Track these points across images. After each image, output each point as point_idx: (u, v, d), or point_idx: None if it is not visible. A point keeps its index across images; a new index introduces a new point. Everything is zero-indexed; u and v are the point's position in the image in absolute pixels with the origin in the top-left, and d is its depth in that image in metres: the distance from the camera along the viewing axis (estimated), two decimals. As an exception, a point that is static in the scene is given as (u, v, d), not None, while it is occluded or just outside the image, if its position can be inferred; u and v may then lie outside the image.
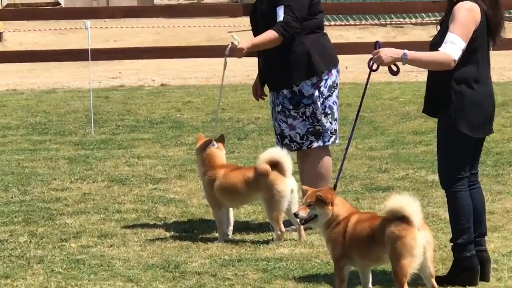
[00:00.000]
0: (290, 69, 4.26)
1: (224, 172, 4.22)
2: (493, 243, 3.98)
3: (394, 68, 3.42)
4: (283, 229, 4.13)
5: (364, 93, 3.51)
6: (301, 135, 4.31)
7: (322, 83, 4.31)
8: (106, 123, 7.64)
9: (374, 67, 3.37)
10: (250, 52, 4.36)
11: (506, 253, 3.89)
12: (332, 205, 3.38)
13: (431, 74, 3.58)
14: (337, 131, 4.46)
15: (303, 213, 3.40)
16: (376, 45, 3.37)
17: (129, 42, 12.06)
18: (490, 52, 3.56)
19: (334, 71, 4.38)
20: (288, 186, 4.15)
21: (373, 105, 8.20)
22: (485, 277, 3.58)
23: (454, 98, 3.46)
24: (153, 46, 10.66)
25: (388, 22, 14.27)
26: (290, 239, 4.18)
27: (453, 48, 3.33)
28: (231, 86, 9.29)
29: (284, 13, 4.10)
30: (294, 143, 4.33)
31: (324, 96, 4.32)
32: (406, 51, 3.39)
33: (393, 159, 6.15)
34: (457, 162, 3.58)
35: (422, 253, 3.31)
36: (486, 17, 3.43)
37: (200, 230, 4.41)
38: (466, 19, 3.35)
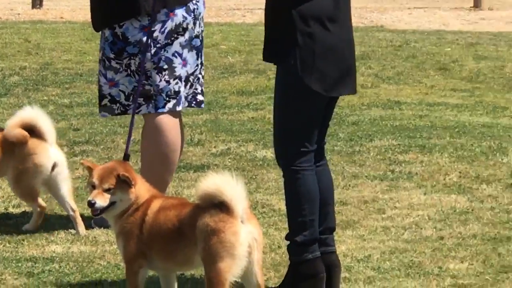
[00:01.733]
0: (110, 1, 4.50)
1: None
2: (344, 244, 4.30)
3: None
4: (42, 203, 4.46)
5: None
6: (126, 94, 4.51)
7: (157, 27, 4.46)
8: None
9: None
10: None
11: (362, 257, 4.18)
12: (135, 186, 3.61)
13: (270, 6, 3.72)
14: (181, 93, 4.64)
15: (102, 201, 3.51)
16: None
17: None
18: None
19: (179, 11, 4.49)
20: (50, 157, 4.49)
21: (183, 55, 9.15)
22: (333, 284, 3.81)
23: (301, 42, 3.60)
24: None
25: None
26: (65, 232, 4.39)
27: None
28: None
29: None
30: (117, 105, 4.54)
31: (159, 45, 4.47)
32: None
33: (209, 128, 6.59)
34: (301, 130, 3.75)
35: (246, 254, 3.44)
36: None
37: None
38: None
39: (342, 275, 3.82)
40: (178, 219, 3.58)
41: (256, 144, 6.15)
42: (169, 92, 4.50)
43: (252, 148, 6.09)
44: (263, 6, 3.89)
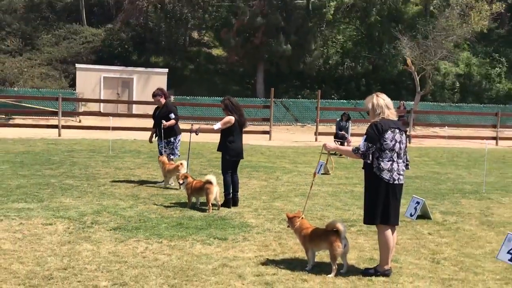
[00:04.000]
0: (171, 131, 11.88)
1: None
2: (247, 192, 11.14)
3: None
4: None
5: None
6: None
7: (178, 138, 12.06)
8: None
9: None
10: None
11: (243, 195, 10.64)
12: (189, 178, 10.01)
13: (221, 137, 9.82)
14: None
15: (181, 181, 9.91)
16: None
17: None
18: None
19: (180, 136, 12.12)
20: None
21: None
22: (235, 204, 9.70)
23: (225, 147, 9.73)
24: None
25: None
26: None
27: (217, 124, 9.60)
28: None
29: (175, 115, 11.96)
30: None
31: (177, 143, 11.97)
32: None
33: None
34: (226, 167, 9.76)
35: (216, 194, 9.25)
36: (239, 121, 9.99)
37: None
38: (227, 119, 9.82)
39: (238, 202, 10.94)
40: (200, 186, 9.33)
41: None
42: (173, 153, 12.24)
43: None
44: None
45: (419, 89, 37.57)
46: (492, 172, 16.11)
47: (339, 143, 19.76)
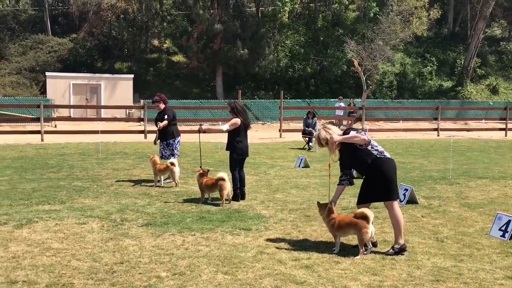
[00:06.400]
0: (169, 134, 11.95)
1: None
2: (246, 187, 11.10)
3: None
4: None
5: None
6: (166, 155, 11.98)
7: (177, 140, 12.06)
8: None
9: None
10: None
11: (248, 190, 10.89)
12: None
13: (228, 137, 10.14)
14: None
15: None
16: None
17: None
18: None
19: (179, 137, 12.13)
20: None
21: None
22: (243, 197, 9.89)
23: (232, 146, 9.86)
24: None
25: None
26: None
27: (224, 126, 9.83)
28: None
29: (168, 116, 11.69)
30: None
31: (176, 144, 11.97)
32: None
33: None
34: (234, 164, 9.90)
35: (228, 189, 9.52)
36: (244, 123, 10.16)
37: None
38: (234, 121, 9.92)
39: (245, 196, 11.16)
40: (211, 181, 10.01)
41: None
42: (169, 155, 12.37)
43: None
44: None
45: (365, 88, 38.54)
46: (448, 160, 16.84)
47: (307, 138, 20.29)
